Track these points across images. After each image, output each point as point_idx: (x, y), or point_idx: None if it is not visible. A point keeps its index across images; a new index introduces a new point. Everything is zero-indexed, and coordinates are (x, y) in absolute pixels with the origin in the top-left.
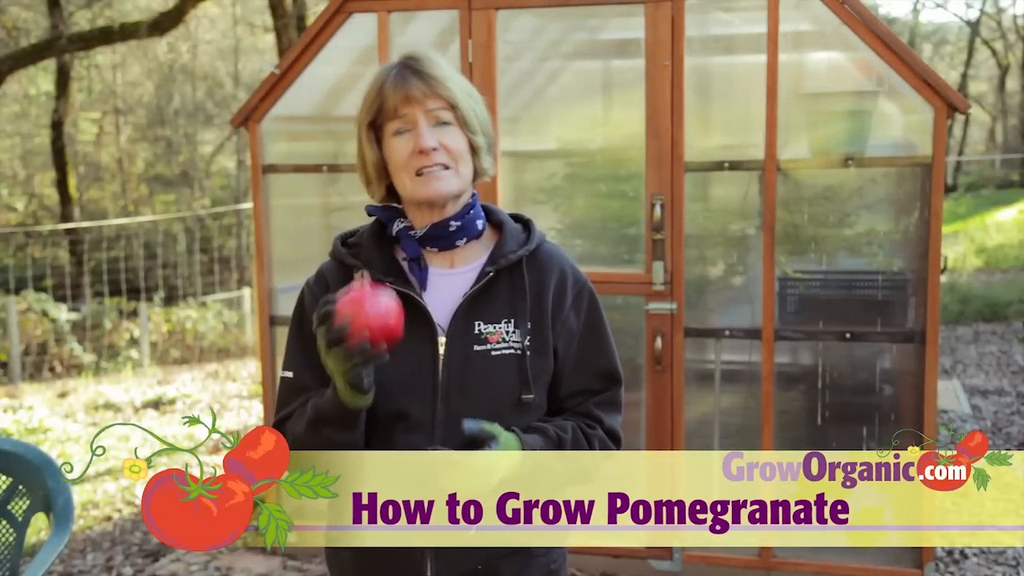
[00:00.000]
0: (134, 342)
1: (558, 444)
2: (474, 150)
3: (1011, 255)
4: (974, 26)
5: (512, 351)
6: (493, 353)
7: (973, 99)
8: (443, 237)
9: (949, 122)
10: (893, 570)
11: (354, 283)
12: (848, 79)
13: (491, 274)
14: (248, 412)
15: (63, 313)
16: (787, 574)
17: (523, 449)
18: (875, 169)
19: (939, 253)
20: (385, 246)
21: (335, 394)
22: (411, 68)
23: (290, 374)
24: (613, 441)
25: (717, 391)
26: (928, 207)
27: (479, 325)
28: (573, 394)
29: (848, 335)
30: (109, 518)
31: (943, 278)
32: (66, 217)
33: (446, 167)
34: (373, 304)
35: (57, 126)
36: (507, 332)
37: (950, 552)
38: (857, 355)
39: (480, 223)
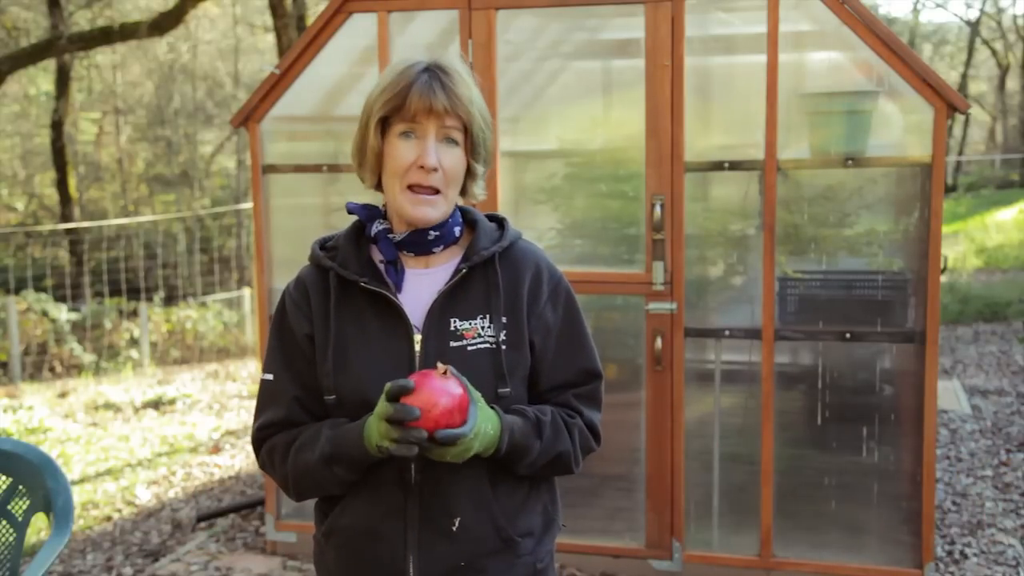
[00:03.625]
0: (134, 342)
1: (537, 425)
2: (470, 174)
3: (1011, 255)
4: (974, 26)
5: (487, 345)
6: (469, 348)
7: (973, 99)
8: (421, 244)
9: (949, 122)
10: (893, 570)
11: (437, 370)
12: (848, 79)
13: (464, 270)
14: (248, 412)
15: (63, 313)
16: (787, 574)
17: (502, 426)
18: (875, 169)
19: (939, 253)
20: (362, 246)
21: (361, 442)
22: (440, 80)
23: (271, 377)
24: (593, 435)
25: (717, 391)
26: (928, 207)
27: (454, 322)
28: (553, 388)
29: (848, 335)
30: (109, 518)
31: (943, 278)
32: (66, 217)
33: (437, 191)
34: (448, 400)
35: (57, 126)
36: (482, 327)
37: (950, 552)
38: (857, 355)
39: (458, 229)
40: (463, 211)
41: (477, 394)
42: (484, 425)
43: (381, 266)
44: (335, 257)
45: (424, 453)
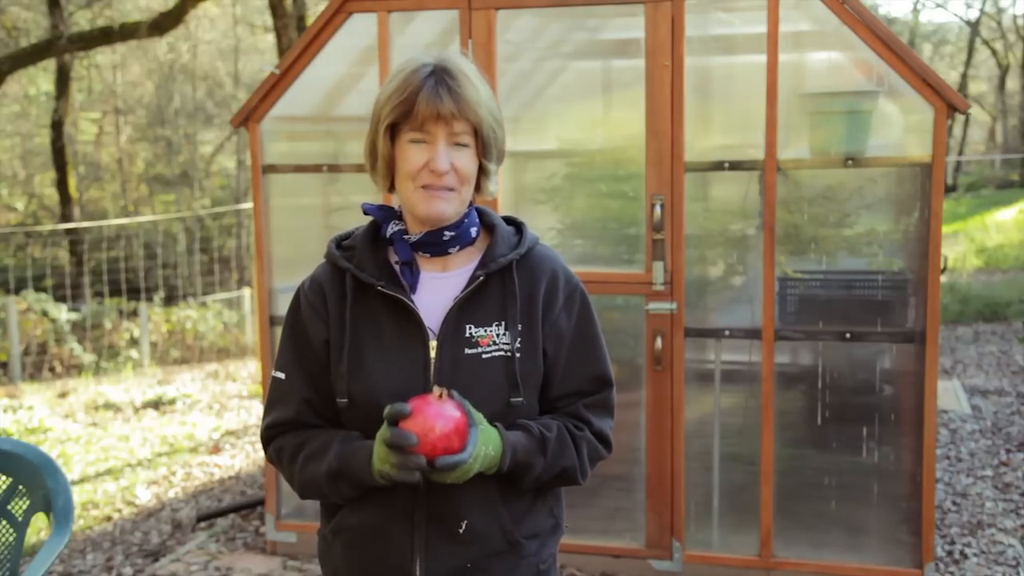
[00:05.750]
0: (134, 342)
1: (541, 442)
2: (482, 172)
3: (1011, 255)
4: (974, 26)
5: (502, 353)
6: (484, 356)
7: (973, 99)
8: (437, 244)
9: (949, 122)
10: (893, 570)
11: (433, 393)
12: (848, 79)
13: (481, 278)
14: (248, 412)
15: (63, 313)
16: (787, 574)
17: (504, 446)
18: (875, 169)
19: (939, 253)
20: (379, 248)
21: (367, 466)
22: (447, 84)
23: (282, 375)
24: (602, 444)
25: (717, 391)
26: (928, 207)
27: (470, 328)
28: (563, 396)
29: (848, 335)
30: (109, 518)
31: (943, 278)
32: (66, 217)
33: (451, 189)
34: (444, 424)
35: (57, 126)
36: (497, 335)
37: (950, 552)
38: (857, 355)
39: (474, 230)
40: (481, 213)
41: (478, 415)
42: (484, 448)
43: (397, 267)
44: (352, 258)
45: (425, 476)
